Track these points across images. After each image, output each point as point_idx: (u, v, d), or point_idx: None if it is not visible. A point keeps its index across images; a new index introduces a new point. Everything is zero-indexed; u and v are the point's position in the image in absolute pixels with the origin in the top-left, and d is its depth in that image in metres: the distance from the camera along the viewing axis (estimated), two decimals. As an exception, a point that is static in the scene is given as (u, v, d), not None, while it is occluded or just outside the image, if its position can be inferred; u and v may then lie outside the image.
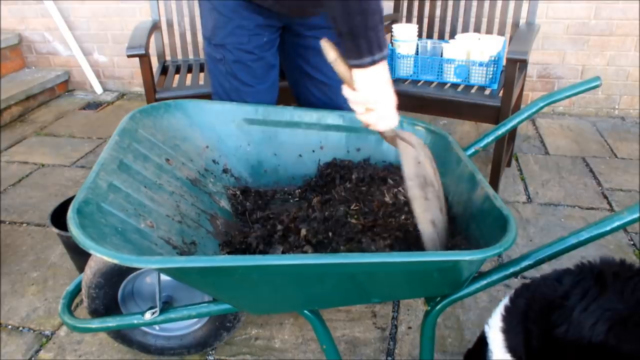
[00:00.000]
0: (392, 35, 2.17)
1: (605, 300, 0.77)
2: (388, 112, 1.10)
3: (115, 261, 0.86)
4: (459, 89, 2.03)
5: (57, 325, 1.56)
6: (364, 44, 1.00)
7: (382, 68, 1.05)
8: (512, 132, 2.39)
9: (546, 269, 1.71)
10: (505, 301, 0.91)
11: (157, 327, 1.38)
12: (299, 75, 1.58)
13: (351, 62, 1.04)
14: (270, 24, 1.43)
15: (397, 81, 2.12)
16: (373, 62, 1.02)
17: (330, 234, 1.25)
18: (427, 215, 1.08)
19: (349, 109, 1.14)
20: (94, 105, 3.33)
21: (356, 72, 1.04)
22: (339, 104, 1.56)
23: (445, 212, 1.18)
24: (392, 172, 1.45)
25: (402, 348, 1.45)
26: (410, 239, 1.21)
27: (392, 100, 1.10)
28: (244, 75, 1.42)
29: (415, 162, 1.12)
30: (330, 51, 1.05)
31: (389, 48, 2.08)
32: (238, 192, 1.44)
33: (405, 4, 2.40)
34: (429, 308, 1.11)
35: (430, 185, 1.13)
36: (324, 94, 1.56)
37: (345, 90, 1.09)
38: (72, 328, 1.17)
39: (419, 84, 2.09)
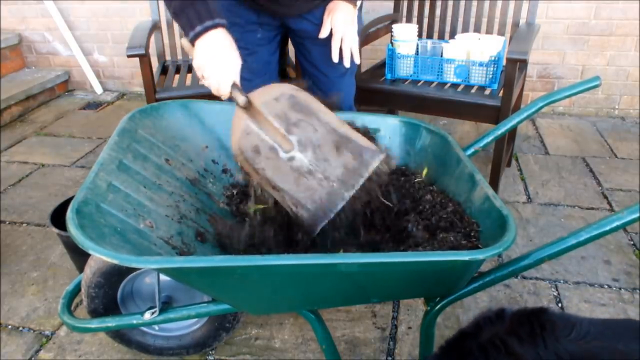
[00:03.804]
0: (392, 35, 2.17)
1: None
2: (218, 76, 1.13)
3: (115, 261, 0.86)
4: (459, 89, 2.03)
5: (57, 325, 1.56)
6: (186, 21, 1.13)
7: (210, 37, 1.13)
8: (512, 132, 2.39)
9: (546, 268, 1.72)
10: None
11: (156, 327, 1.38)
12: (303, 73, 1.64)
13: (188, 38, 1.16)
14: (265, 22, 1.48)
15: (397, 81, 2.12)
16: (195, 36, 1.13)
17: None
18: (274, 192, 1.10)
19: (350, 106, 1.14)
20: (94, 105, 3.33)
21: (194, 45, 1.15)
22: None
23: (349, 158, 1.10)
24: (391, 172, 1.45)
25: (402, 348, 1.45)
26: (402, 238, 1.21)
27: (224, 65, 1.14)
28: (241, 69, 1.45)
29: (244, 133, 1.12)
30: (184, 42, 1.19)
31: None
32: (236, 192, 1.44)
33: (405, 4, 2.40)
34: (429, 308, 1.11)
35: (270, 151, 1.11)
36: (322, 92, 1.59)
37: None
38: (71, 328, 1.17)
39: (419, 84, 2.09)
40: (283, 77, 2.19)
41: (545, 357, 0.69)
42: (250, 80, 1.45)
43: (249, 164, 1.11)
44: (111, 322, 1.17)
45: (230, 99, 1.16)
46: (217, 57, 1.13)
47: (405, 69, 2.12)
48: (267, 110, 1.11)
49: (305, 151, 1.10)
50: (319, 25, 1.47)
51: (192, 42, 1.14)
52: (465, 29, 2.27)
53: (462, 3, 2.28)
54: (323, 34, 1.43)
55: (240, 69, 1.17)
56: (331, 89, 1.59)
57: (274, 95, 1.12)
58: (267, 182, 1.10)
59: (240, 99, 1.13)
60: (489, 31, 2.23)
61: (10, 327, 1.57)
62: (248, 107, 1.13)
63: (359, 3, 1.47)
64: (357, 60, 1.47)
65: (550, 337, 0.71)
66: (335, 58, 1.44)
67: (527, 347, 0.71)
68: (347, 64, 1.46)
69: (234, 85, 1.14)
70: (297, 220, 1.12)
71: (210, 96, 1.57)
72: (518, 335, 0.72)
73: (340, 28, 1.42)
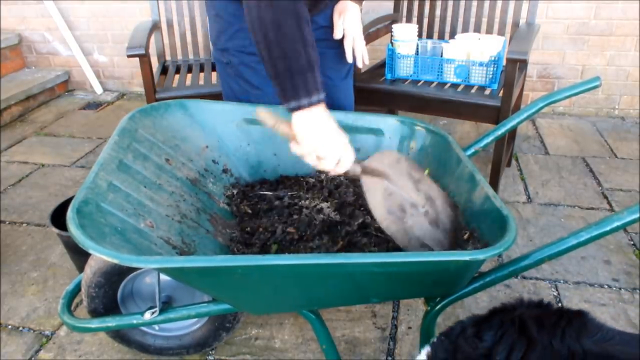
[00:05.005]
0: (392, 35, 2.17)
1: (535, 356, 0.68)
2: (338, 156, 1.05)
3: (115, 261, 0.86)
4: (459, 89, 2.03)
5: (57, 325, 1.56)
6: (290, 89, 1.01)
7: (314, 113, 1.03)
8: (512, 132, 2.39)
9: (546, 268, 1.72)
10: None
11: (156, 327, 1.38)
12: None
13: (283, 105, 1.04)
14: None
15: (397, 81, 2.12)
16: (299, 108, 1.01)
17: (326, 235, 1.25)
18: (418, 250, 1.09)
19: (351, 109, 1.14)
20: (94, 105, 3.33)
21: (293, 118, 1.03)
22: (340, 104, 1.57)
23: (451, 216, 1.18)
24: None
25: (402, 348, 1.45)
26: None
27: (339, 142, 1.05)
28: (251, 76, 1.42)
29: (386, 194, 1.10)
30: (267, 118, 1.07)
31: (389, 59, 2.08)
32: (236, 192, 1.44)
33: (405, 4, 2.40)
34: (429, 308, 1.11)
35: (412, 208, 1.13)
36: (326, 95, 1.56)
37: (292, 146, 1.07)
38: (71, 328, 1.17)
39: (419, 84, 2.09)
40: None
41: (557, 347, 0.69)
42: (260, 88, 1.44)
43: (397, 225, 1.09)
44: (111, 322, 1.17)
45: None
46: (331, 136, 1.04)
47: (405, 69, 2.12)
48: (395, 171, 1.16)
49: (431, 205, 1.17)
50: (325, 27, 1.46)
51: (292, 112, 1.04)
52: (465, 29, 2.27)
53: (462, 3, 2.28)
54: (337, 34, 1.43)
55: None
56: (335, 92, 1.57)
57: (394, 159, 1.19)
58: (413, 244, 1.10)
59: (358, 170, 1.09)
60: (489, 31, 2.23)
61: (10, 327, 1.57)
62: (366, 173, 1.12)
63: (362, 2, 1.46)
64: (367, 61, 1.47)
65: (572, 333, 0.71)
66: (349, 59, 1.44)
67: (543, 335, 0.70)
68: (360, 64, 1.46)
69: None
70: None
71: (210, 96, 1.58)
72: (540, 322, 0.72)
73: (352, 29, 1.42)
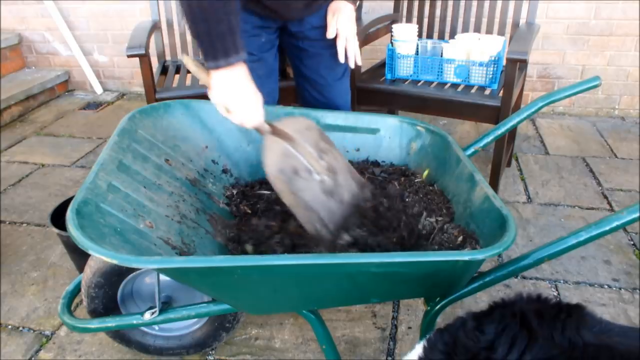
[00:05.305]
0: (392, 35, 2.17)
1: (537, 349, 0.69)
2: (245, 113, 1.14)
3: (114, 261, 0.86)
4: (459, 89, 2.03)
5: (57, 325, 1.56)
6: (209, 49, 1.08)
7: (230, 73, 1.10)
8: (512, 132, 2.39)
9: (546, 268, 1.72)
10: (419, 353, 0.77)
11: (156, 327, 1.38)
12: (298, 76, 1.61)
13: (206, 64, 1.11)
14: (267, 25, 1.46)
15: (397, 81, 2.12)
16: (217, 67, 1.09)
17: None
18: (303, 212, 1.15)
19: (346, 109, 1.16)
20: (94, 105, 3.33)
21: (211, 74, 1.11)
22: (336, 104, 1.58)
23: (355, 192, 1.25)
24: (391, 172, 1.45)
25: (402, 348, 1.45)
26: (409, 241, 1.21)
27: (249, 101, 1.14)
28: None
29: (283, 155, 1.17)
30: (190, 64, 1.14)
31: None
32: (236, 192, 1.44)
33: (405, 4, 2.40)
34: (429, 308, 1.11)
35: (305, 173, 1.19)
36: (321, 95, 1.58)
37: (209, 94, 1.15)
38: (71, 328, 1.17)
39: (419, 84, 2.08)
40: (283, 77, 2.18)
41: (558, 340, 0.69)
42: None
43: (286, 185, 1.16)
44: (111, 322, 1.17)
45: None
46: (242, 94, 1.13)
47: (405, 69, 2.12)
48: (302, 138, 1.21)
49: (331, 176, 1.22)
50: (319, 27, 1.46)
51: (210, 69, 1.12)
52: (465, 29, 2.27)
53: (462, 3, 2.28)
54: (330, 34, 1.43)
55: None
56: (330, 92, 1.58)
57: (305, 126, 1.24)
58: (299, 203, 1.17)
59: (266, 128, 1.17)
60: (489, 31, 2.23)
61: (10, 327, 1.57)
62: (274, 134, 1.18)
63: (357, 3, 1.46)
64: (360, 62, 1.47)
65: (572, 325, 0.71)
66: (342, 59, 1.44)
67: (544, 327, 0.71)
68: (352, 64, 1.46)
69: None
70: (316, 239, 1.17)
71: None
72: (541, 315, 0.73)
73: (346, 29, 1.42)
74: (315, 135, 1.25)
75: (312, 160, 1.21)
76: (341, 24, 1.42)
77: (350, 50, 1.44)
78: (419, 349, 0.77)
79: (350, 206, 1.23)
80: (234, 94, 1.12)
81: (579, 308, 0.75)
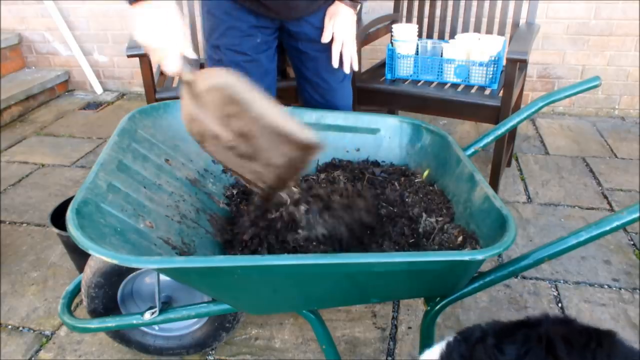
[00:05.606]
0: (392, 35, 2.17)
1: None
2: (161, 54, 1.07)
3: (114, 261, 0.86)
4: (459, 89, 2.03)
5: (57, 325, 1.56)
6: None
7: (149, 8, 1.06)
8: (512, 132, 2.39)
9: (546, 268, 1.72)
10: (436, 356, 0.74)
11: (156, 327, 1.38)
12: (300, 78, 1.60)
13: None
14: (264, 25, 1.44)
15: (397, 81, 2.12)
16: (131, 2, 1.06)
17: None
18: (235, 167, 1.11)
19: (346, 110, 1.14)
20: (94, 105, 3.33)
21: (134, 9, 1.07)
22: (335, 105, 1.57)
23: (284, 152, 1.07)
24: (391, 172, 1.45)
25: (402, 348, 1.45)
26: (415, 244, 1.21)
27: (167, 42, 1.07)
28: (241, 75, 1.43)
29: (190, 118, 1.09)
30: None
31: (389, 47, 2.08)
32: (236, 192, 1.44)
33: (405, 4, 2.40)
34: (429, 308, 1.11)
35: (213, 139, 1.09)
36: (322, 96, 1.57)
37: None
38: (71, 328, 1.17)
39: (419, 84, 2.09)
40: (283, 77, 2.18)
41: None
42: None
43: (200, 147, 1.13)
44: (111, 322, 1.17)
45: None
46: (161, 33, 1.06)
47: (405, 69, 2.12)
48: (209, 100, 1.06)
49: (245, 141, 1.07)
50: (319, 28, 1.46)
51: (131, 4, 1.07)
52: (465, 29, 2.27)
53: (462, 3, 2.28)
54: (325, 38, 1.42)
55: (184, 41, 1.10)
56: (332, 96, 1.57)
57: (214, 84, 1.06)
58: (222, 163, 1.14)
59: (186, 75, 1.07)
60: (489, 31, 2.23)
61: (10, 327, 1.57)
62: (191, 85, 1.08)
63: (358, 7, 1.46)
64: (356, 67, 1.46)
65: (603, 356, 0.67)
66: (335, 63, 1.43)
67: (573, 357, 0.67)
68: (347, 69, 1.45)
69: (182, 58, 1.09)
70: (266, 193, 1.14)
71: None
72: (569, 343, 0.68)
73: (342, 33, 1.42)
74: (223, 97, 1.05)
75: (217, 127, 1.09)
76: (337, 28, 1.41)
77: (345, 55, 1.43)
78: (437, 349, 0.74)
79: (280, 168, 1.09)
80: (153, 31, 1.06)
81: (609, 336, 0.71)
